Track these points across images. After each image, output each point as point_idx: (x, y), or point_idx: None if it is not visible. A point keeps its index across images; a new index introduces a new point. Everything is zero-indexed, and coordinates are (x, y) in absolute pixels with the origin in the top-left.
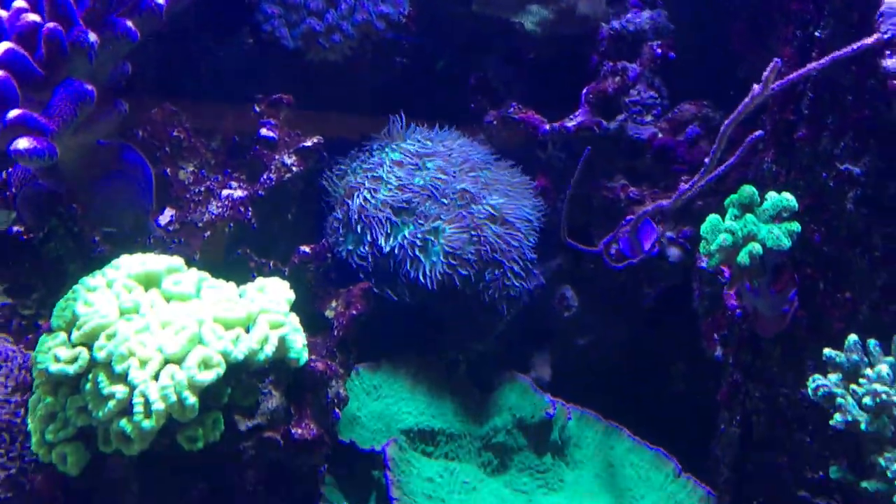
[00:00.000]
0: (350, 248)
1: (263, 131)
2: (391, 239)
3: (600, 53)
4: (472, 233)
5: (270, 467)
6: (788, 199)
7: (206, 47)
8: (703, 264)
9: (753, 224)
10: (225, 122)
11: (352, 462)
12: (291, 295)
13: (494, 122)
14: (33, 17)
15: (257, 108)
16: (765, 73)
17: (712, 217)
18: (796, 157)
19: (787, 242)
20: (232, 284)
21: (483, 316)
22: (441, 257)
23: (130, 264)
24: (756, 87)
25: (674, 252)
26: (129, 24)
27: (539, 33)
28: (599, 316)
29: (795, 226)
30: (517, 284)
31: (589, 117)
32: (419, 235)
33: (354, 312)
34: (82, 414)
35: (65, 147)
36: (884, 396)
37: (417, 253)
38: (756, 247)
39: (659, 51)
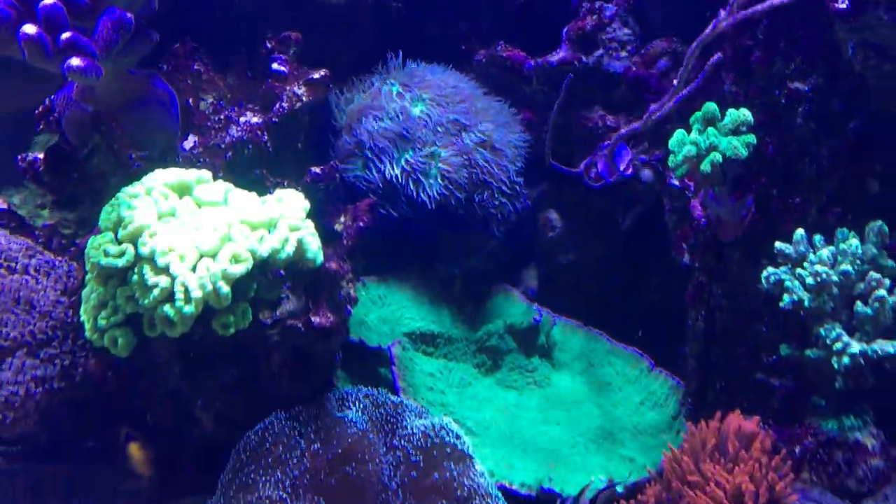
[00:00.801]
0: (357, 172)
1: (275, 66)
2: (394, 163)
3: None
4: (465, 157)
5: (293, 353)
6: (745, 114)
7: None
8: (673, 181)
9: (714, 136)
10: (238, 59)
11: (361, 359)
12: (307, 203)
13: (483, 60)
14: None
15: (268, 45)
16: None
17: (679, 132)
18: (753, 78)
19: (744, 152)
20: (254, 194)
21: (475, 233)
22: (438, 179)
23: (165, 175)
24: (722, 12)
25: (647, 173)
26: None
27: None
28: (581, 236)
29: (751, 138)
30: (505, 204)
31: (570, 53)
32: (419, 160)
33: (361, 224)
34: (130, 302)
35: (104, 71)
36: (823, 276)
37: (419, 176)
38: (717, 156)
39: None
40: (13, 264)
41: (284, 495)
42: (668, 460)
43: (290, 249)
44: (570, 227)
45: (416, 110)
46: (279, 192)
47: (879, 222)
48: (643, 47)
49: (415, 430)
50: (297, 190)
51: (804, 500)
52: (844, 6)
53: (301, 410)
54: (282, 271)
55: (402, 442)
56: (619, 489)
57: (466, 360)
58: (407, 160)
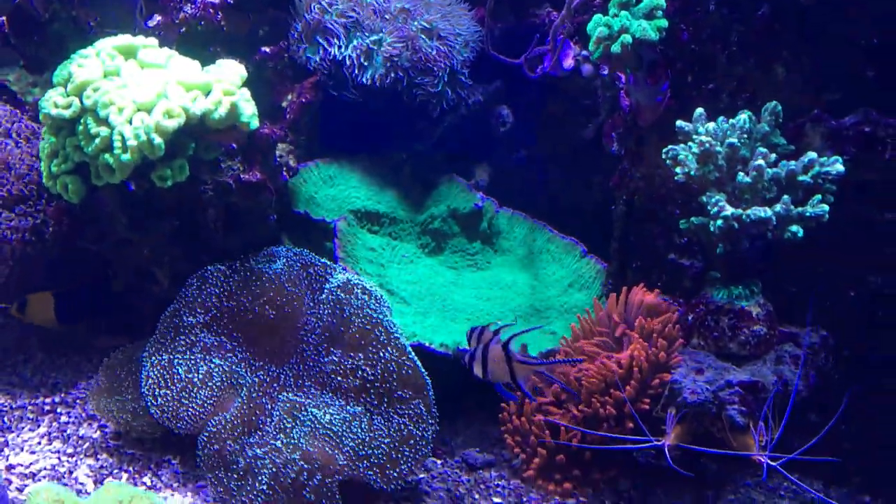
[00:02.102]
0: (309, 54)
1: None
2: (343, 47)
3: None
4: (408, 43)
5: (226, 209)
6: None
7: None
8: (604, 72)
9: (627, 19)
10: None
11: (308, 232)
12: (244, 71)
13: None
14: None
15: None
16: None
17: (596, 16)
18: None
19: (653, 35)
20: (196, 62)
21: (420, 119)
22: (382, 63)
23: (115, 39)
24: None
25: (587, 68)
26: None
27: None
28: (531, 132)
29: (663, 22)
30: (447, 92)
31: None
32: (365, 45)
33: (304, 100)
34: (78, 151)
35: None
36: (707, 146)
37: (363, 60)
38: (626, 38)
39: None
40: None
41: (212, 336)
42: (575, 330)
43: (222, 111)
44: (523, 124)
45: None
46: (220, 60)
47: (774, 103)
48: None
49: (335, 287)
50: (247, 68)
51: (688, 362)
52: None
53: (234, 262)
54: (219, 139)
55: (325, 296)
56: (532, 352)
57: (411, 241)
58: (354, 46)
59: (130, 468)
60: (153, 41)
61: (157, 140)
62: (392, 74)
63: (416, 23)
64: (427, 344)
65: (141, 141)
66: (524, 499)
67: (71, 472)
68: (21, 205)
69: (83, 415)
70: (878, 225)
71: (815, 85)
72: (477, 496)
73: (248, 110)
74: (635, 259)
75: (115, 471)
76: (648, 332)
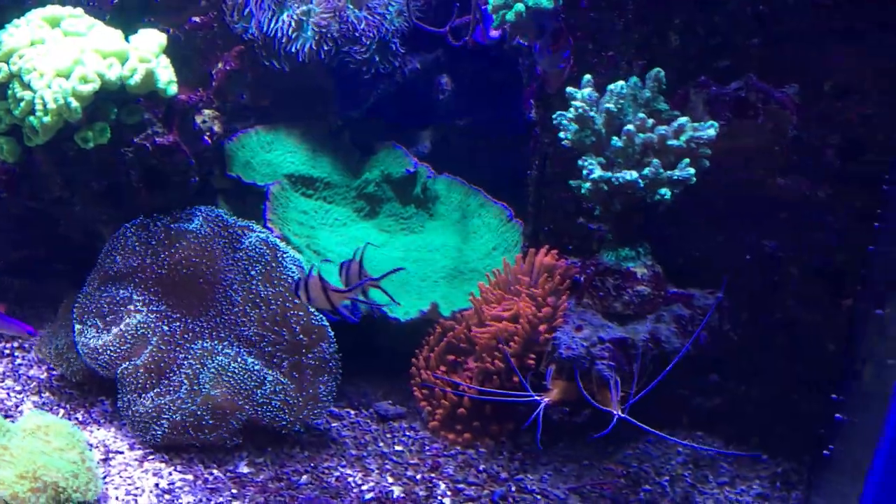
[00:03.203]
0: (242, 25)
1: None
2: (273, 20)
3: None
4: (336, 13)
5: (148, 170)
6: None
7: None
8: (519, 40)
9: None
10: None
11: (243, 196)
12: (163, 40)
13: None
14: None
15: None
16: None
17: None
18: None
19: (545, 3)
20: (118, 32)
21: (352, 86)
22: (311, 34)
23: (43, 10)
24: None
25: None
26: None
27: None
28: (471, 100)
29: None
30: (375, 59)
31: None
32: (295, 15)
33: (227, 68)
34: (8, 114)
35: None
36: (580, 111)
37: (292, 31)
38: (520, 6)
39: None
40: None
41: (126, 286)
42: (482, 288)
43: (138, 77)
44: (467, 92)
45: None
46: (143, 30)
47: (657, 69)
48: None
49: (247, 245)
50: (179, 38)
51: (574, 320)
52: None
53: (155, 219)
54: (139, 100)
55: (239, 255)
56: (444, 312)
57: (346, 205)
58: (282, 19)
59: (67, 405)
60: (79, 11)
61: (74, 104)
62: (322, 45)
63: None
64: None
65: (59, 104)
66: (427, 447)
67: (17, 406)
68: None
69: (35, 358)
70: (768, 189)
71: (707, 52)
72: (381, 444)
73: (165, 77)
74: (547, 223)
75: (55, 407)
76: (538, 292)
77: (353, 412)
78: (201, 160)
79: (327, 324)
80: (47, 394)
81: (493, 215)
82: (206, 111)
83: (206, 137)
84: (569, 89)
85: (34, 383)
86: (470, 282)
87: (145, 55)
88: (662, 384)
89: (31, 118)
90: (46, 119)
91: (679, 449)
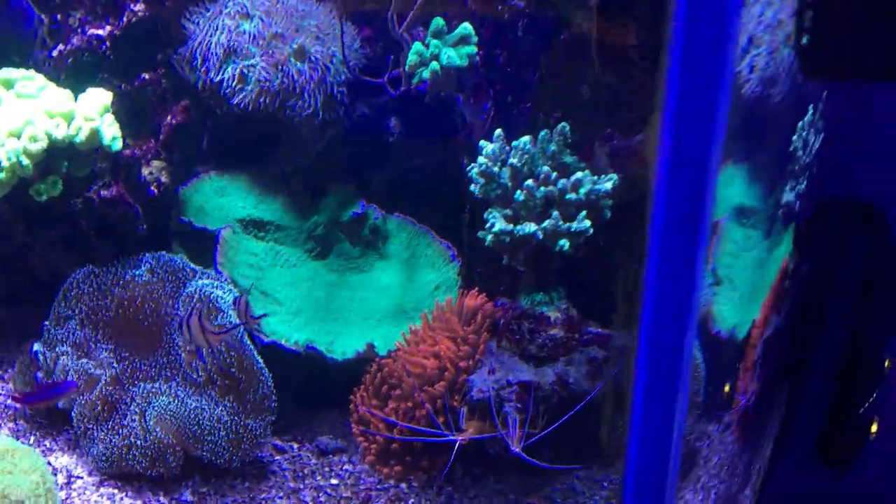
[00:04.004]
0: (190, 79)
1: None
2: (221, 72)
3: None
4: (279, 67)
5: (97, 219)
6: (466, 27)
7: None
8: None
9: (436, 47)
10: None
11: (199, 239)
12: (106, 100)
13: None
14: None
15: None
16: None
17: (415, 44)
18: None
19: (458, 62)
20: (66, 92)
21: (299, 134)
22: (253, 87)
23: None
24: None
25: None
26: None
27: None
28: (420, 142)
29: (471, 49)
30: (319, 112)
31: None
32: (239, 69)
33: (174, 122)
34: None
35: None
36: (485, 168)
37: (237, 84)
38: (434, 65)
39: None
40: None
41: (79, 328)
42: (412, 328)
43: (83, 136)
44: (412, 135)
45: (247, 25)
46: (90, 90)
47: (563, 124)
48: None
49: (190, 291)
50: (129, 92)
51: (489, 362)
52: None
53: (105, 265)
54: (87, 155)
55: (182, 299)
56: (381, 351)
57: (296, 246)
58: (230, 69)
59: (37, 433)
60: (31, 73)
61: (25, 161)
62: (263, 98)
63: (286, 48)
64: (282, 342)
65: (12, 162)
66: (362, 481)
67: None
68: None
69: (11, 389)
70: None
71: (615, 105)
72: (319, 477)
73: (109, 134)
74: (480, 264)
75: (27, 433)
76: (461, 334)
77: (296, 446)
78: (148, 209)
79: (263, 365)
80: (21, 421)
81: (438, 255)
82: (155, 162)
83: (153, 188)
84: (482, 143)
85: (10, 412)
86: (412, 319)
87: (90, 114)
88: (576, 422)
89: None
90: (2, 175)
91: (605, 484)
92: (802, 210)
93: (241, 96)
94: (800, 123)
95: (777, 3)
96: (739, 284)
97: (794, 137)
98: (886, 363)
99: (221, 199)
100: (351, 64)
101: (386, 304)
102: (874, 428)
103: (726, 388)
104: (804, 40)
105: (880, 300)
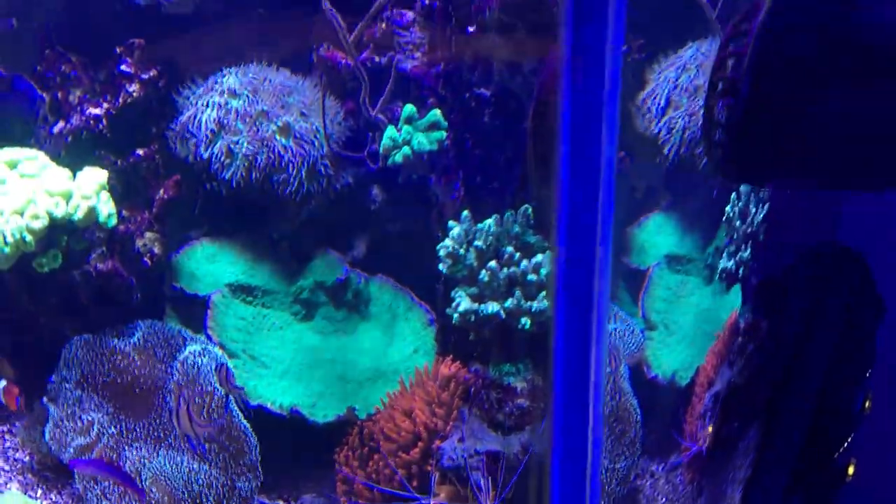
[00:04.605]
0: (181, 154)
1: (123, 67)
2: (210, 148)
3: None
4: (264, 143)
5: (95, 290)
6: (436, 114)
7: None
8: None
9: (408, 133)
10: (109, 62)
11: (190, 304)
12: (102, 179)
13: (314, 60)
14: None
15: (117, 50)
16: None
17: (389, 128)
18: (451, 84)
19: (428, 146)
20: (66, 171)
21: (286, 205)
22: (241, 162)
23: (3, 153)
24: None
25: None
26: None
27: None
28: (402, 209)
29: (441, 134)
30: (304, 185)
31: (368, 54)
32: (226, 146)
33: (166, 196)
34: None
35: None
36: (451, 250)
37: (225, 159)
38: (406, 149)
39: (426, 1)
40: None
41: (79, 391)
42: (389, 395)
43: (80, 214)
44: (394, 202)
45: (235, 102)
46: (87, 169)
47: (526, 206)
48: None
49: (185, 357)
50: (124, 168)
51: (460, 430)
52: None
53: (102, 332)
54: (84, 230)
55: (176, 365)
56: (361, 415)
57: (283, 310)
58: (217, 146)
59: (44, 486)
60: (35, 153)
61: (29, 238)
62: (250, 172)
63: (272, 125)
64: (268, 405)
65: (16, 238)
66: None
67: (6, 484)
68: None
69: (20, 442)
70: None
71: None
72: None
73: (105, 211)
74: (453, 333)
75: (35, 486)
76: (436, 402)
77: (281, 503)
78: (142, 279)
79: (251, 430)
80: (30, 475)
81: (417, 318)
82: (148, 234)
83: (147, 259)
84: (450, 223)
85: (20, 465)
86: (391, 382)
87: (88, 193)
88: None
89: None
90: (7, 250)
91: None
92: (755, 272)
93: (229, 171)
94: (733, 195)
95: (693, 69)
96: (676, 329)
97: (728, 207)
98: (867, 402)
99: (212, 265)
100: (334, 137)
101: (367, 367)
102: (851, 470)
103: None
104: (717, 147)
105: (858, 344)
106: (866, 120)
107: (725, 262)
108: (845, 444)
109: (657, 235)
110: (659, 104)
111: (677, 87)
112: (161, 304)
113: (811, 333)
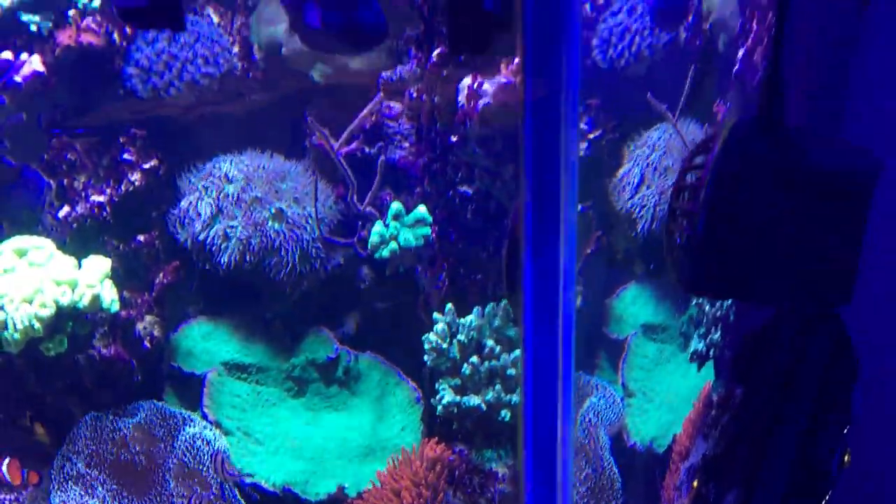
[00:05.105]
0: (180, 237)
1: (125, 156)
2: (206, 232)
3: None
4: (258, 228)
5: (98, 373)
6: (422, 211)
7: (95, 97)
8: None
9: (395, 229)
10: (112, 149)
11: (186, 382)
12: (106, 268)
13: (308, 146)
14: None
15: (121, 140)
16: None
17: (377, 223)
18: (436, 182)
19: (414, 242)
20: (72, 259)
21: (279, 286)
22: (235, 246)
23: (12, 243)
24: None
25: None
26: None
27: (323, 83)
28: (390, 289)
29: (426, 230)
30: (296, 267)
31: (357, 144)
32: (222, 230)
33: (165, 281)
34: None
35: None
36: (435, 345)
37: (220, 243)
38: (393, 245)
39: (413, 94)
40: None
41: (84, 468)
42: (380, 476)
43: (86, 301)
44: (383, 282)
45: (230, 189)
46: (92, 257)
47: (504, 300)
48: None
49: (185, 438)
50: (127, 253)
51: None
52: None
53: (105, 413)
54: (88, 315)
55: (176, 445)
56: (351, 493)
57: (277, 386)
58: (214, 230)
59: None
60: (42, 242)
61: (37, 325)
62: (244, 255)
63: (266, 211)
64: (262, 483)
65: (25, 325)
66: None
67: None
68: None
69: None
70: None
71: None
72: None
73: (108, 298)
74: (436, 417)
75: None
76: (423, 483)
77: None
78: (143, 361)
79: None
80: None
81: (405, 395)
82: (148, 317)
83: (147, 342)
84: (435, 316)
85: None
86: (381, 460)
87: (92, 282)
88: None
89: (5, 333)
90: (16, 336)
91: None
92: (727, 347)
93: (225, 254)
94: None
95: (661, 148)
96: (654, 396)
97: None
98: (846, 457)
99: (208, 344)
100: (325, 221)
101: (357, 444)
102: None
103: None
104: (676, 265)
105: (835, 405)
106: (809, 254)
107: (696, 344)
108: (824, 501)
109: (633, 306)
110: (632, 182)
111: (649, 166)
112: (160, 383)
113: (786, 398)
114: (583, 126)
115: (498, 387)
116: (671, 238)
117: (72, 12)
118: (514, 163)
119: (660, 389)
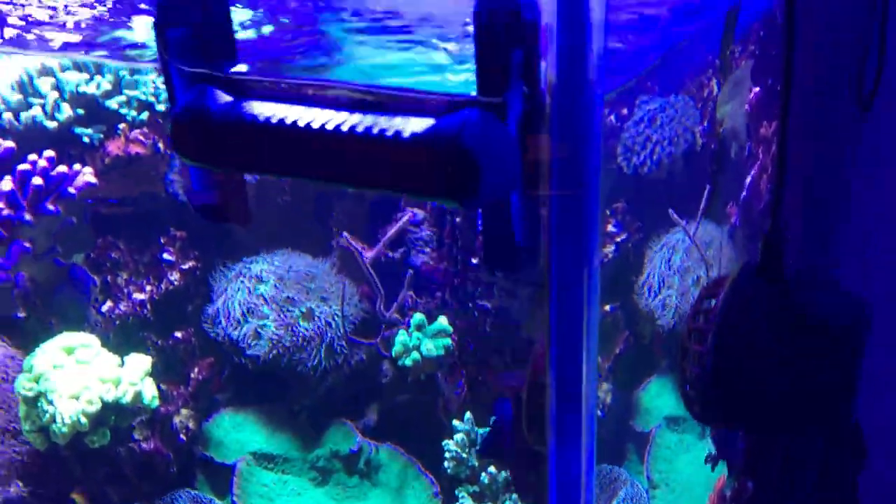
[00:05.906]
0: (213, 334)
1: (165, 255)
2: (240, 329)
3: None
4: (289, 327)
5: (139, 464)
6: (443, 323)
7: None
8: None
9: (417, 339)
10: (152, 246)
11: (218, 471)
12: (147, 366)
13: (335, 247)
14: None
15: (161, 240)
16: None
17: (401, 332)
18: (456, 293)
19: (436, 351)
20: (115, 357)
21: (305, 380)
22: (267, 342)
23: (61, 340)
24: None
25: None
26: (51, 206)
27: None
28: (410, 385)
29: (447, 341)
30: (322, 363)
31: (381, 249)
32: (255, 329)
33: (200, 377)
34: (38, 419)
35: (35, 269)
36: (455, 454)
37: (251, 341)
38: (415, 354)
39: (436, 203)
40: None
41: None
42: None
43: (128, 398)
44: (402, 377)
45: (262, 288)
46: (133, 355)
47: None
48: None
49: None
50: (166, 349)
51: None
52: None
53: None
54: (130, 409)
55: None
56: None
57: (301, 475)
58: (246, 328)
59: None
60: (89, 339)
61: (83, 420)
62: (274, 351)
63: (296, 310)
64: None
65: (72, 420)
66: None
67: None
68: (12, 439)
69: None
70: None
71: None
72: None
73: (149, 394)
74: None
75: None
76: None
77: None
78: (179, 453)
79: None
80: None
81: (424, 488)
82: (184, 411)
83: (183, 436)
84: (455, 423)
85: None
86: None
87: (134, 379)
88: None
89: (53, 426)
90: (64, 429)
91: None
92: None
93: (255, 350)
94: None
95: (680, 250)
96: (675, 486)
97: None
98: None
99: (238, 434)
100: (350, 319)
101: None
102: None
103: None
104: (688, 397)
105: (841, 490)
106: (808, 392)
107: (709, 447)
108: None
109: (657, 398)
110: (652, 285)
111: (671, 268)
112: (193, 470)
113: (795, 486)
114: (611, 228)
115: (514, 496)
116: (684, 374)
117: (122, 125)
118: (532, 285)
119: (680, 480)
